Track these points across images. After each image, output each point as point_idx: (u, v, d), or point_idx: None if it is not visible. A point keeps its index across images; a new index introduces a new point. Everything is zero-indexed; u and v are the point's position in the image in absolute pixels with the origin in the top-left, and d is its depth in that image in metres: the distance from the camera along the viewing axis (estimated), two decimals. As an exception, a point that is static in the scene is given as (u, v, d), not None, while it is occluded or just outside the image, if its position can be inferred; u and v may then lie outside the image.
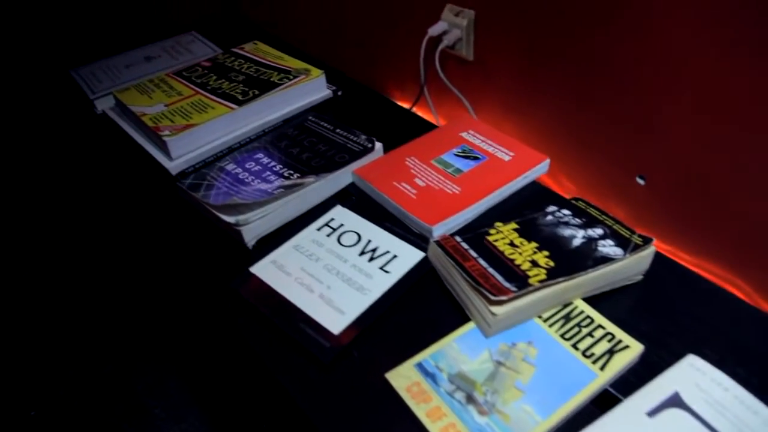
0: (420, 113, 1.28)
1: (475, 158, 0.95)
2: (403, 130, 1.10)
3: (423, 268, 0.81)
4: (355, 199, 0.93)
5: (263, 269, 0.83)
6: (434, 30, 1.12)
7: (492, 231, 0.81)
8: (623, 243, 0.78)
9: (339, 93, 1.18)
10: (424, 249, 0.83)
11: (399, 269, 0.81)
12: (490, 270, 0.74)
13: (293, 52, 1.29)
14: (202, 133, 1.01)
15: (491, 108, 1.13)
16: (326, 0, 1.44)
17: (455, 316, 0.75)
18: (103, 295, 1.63)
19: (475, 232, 0.81)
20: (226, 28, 1.65)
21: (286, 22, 1.64)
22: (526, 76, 1.03)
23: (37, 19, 1.62)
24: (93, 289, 1.65)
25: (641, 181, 0.91)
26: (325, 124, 1.06)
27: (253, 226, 0.87)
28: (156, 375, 1.39)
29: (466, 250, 0.78)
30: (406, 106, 1.28)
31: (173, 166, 0.99)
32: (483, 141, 0.99)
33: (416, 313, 0.77)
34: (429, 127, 1.12)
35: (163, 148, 1.00)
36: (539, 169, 0.94)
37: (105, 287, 1.65)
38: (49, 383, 1.39)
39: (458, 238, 0.80)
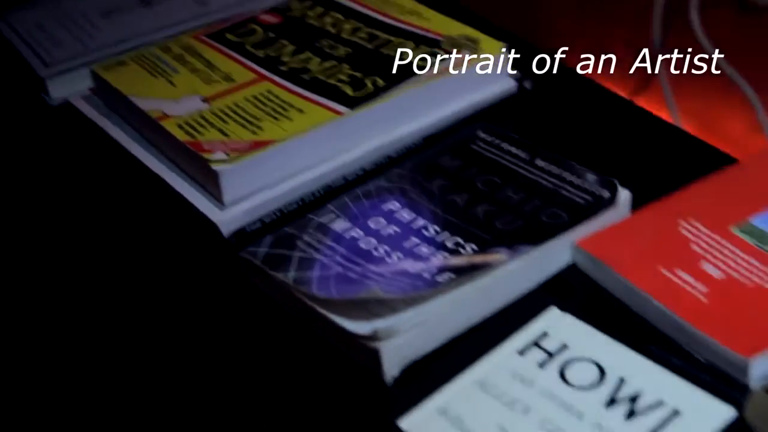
0: (645, 105, 0.77)
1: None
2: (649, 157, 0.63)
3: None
4: (579, 294, 0.50)
5: (425, 426, 0.42)
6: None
7: None
8: None
9: (526, 84, 0.67)
10: (733, 401, 0.43)
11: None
12: None
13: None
14: (281, 159, 0.57)
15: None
16: None
17: None
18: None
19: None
20: None
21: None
22: None
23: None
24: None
25: None
26: (515, 149, 0.60)
27: (401, 342, 0.44)
28: None
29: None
30: (609, 87, 0.75)
31: (226, 218, 0.55)
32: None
33: None
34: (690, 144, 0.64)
35: (209, 182, 0.56)
36: None
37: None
38: None
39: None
